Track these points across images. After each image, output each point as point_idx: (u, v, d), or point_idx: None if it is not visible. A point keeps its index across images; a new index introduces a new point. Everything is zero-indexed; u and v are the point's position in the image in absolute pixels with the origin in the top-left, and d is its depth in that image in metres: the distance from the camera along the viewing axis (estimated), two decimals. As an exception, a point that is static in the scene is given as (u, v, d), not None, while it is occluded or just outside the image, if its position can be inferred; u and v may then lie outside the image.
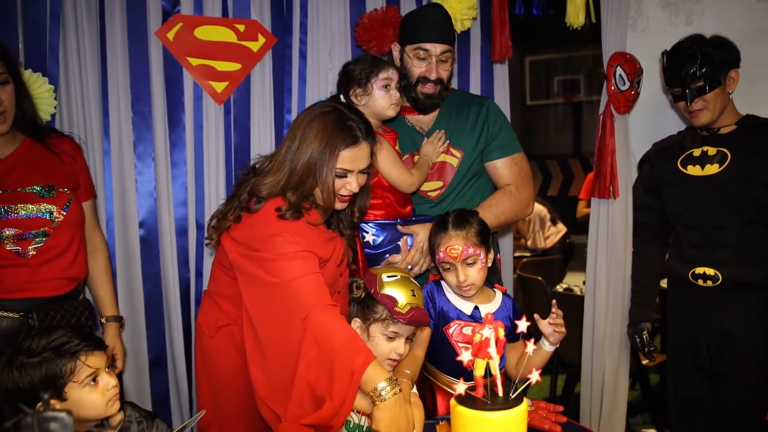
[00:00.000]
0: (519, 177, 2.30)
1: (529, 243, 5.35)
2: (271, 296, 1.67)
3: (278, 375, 1.64)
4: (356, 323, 1.76)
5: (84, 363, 1.42)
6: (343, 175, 1.78)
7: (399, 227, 2.13)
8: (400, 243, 2.12)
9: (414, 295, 1.73)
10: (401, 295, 1.71)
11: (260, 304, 1.70)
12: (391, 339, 1.71)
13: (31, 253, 1.93)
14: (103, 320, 2.19)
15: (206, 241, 1.92)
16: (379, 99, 2.06)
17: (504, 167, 2.29)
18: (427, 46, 2.15)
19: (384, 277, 1.75)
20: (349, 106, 1.88)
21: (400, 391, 1.53)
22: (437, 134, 2.25)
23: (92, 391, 1.44)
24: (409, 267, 2.11)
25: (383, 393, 1.51)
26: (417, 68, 2.18)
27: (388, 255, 2.12)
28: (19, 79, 1.98)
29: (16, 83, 1.96)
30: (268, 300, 1.68)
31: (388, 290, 1.72)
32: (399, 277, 1.77)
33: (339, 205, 1.84)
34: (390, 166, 2.08)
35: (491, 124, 2.29)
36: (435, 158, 2.24)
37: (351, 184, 1.80)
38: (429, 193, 2.27)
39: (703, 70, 2.16)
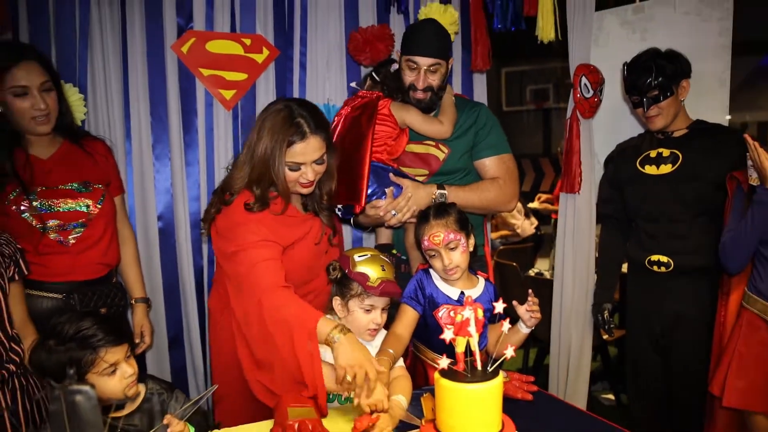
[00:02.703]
0: (507, 174, 2.21)
1: (519, 232, 5.32)
2: (237, 279, 1.71)
3: (256, 348, 1.67)
4: (336, 301, 1.77)
5: (102, 359, 1.40)
6: (296, 168, 1.77)
7: (391, 175, 2.08)
8: (386, 190, 2.06)
9: (384, 270, 1.74)
10: (372, 271, 1.72)
11: (233, 285, 1.75)
12: (368, 311, 1.73)
13: (71, 241, 1.95)
14: (132, 301, 2.21)
15: (201, 232, 1.91)
16: None
17: (492, 165, 2.21)
18: (416, 58, 2.10)
19: (356, 257, 1.77)
20: (300, 102, 1.82)
21: (349, 331, 1.57)
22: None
23: (110, 379, 1.43)
24: (393, 213, 2.05)
25: (335, 337, 1.54)
26: (408, 77, 2.14)
27: (374, 197, 2.05)
28: (60, 87, 1.99)
29: (58, 91, 1.97)
30: (236, 282, 1.72)
31: (360, 268, 1.73)
32: (369, 255, 1.78)
33: (304, 190, 1.83)
34: (423, 125, 2.15)
35: (481, 127, 2.22)
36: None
37: (306, 174, 1.78)
38: (416, 178, 2.18)
39: (658, 81, 2.17)
